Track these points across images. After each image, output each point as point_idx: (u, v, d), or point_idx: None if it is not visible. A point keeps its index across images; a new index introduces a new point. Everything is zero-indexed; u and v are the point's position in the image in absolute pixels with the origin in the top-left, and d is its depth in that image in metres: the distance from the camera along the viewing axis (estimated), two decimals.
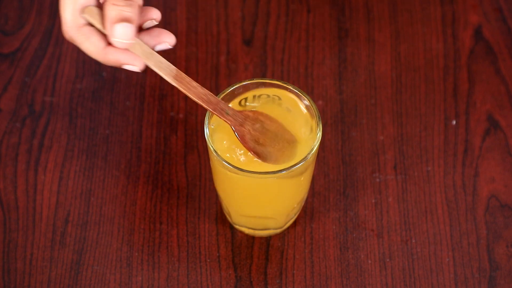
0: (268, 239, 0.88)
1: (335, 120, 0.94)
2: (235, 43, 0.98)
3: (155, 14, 0.74)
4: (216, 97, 0.77)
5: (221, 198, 0.86)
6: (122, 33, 0.71)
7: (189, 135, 0.93)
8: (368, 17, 1.00)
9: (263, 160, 0.78)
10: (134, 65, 0.73)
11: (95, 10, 0.73)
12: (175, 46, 0.89)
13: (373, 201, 0.90)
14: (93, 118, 0.94)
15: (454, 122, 0.94)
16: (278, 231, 0.88)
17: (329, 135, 0.93)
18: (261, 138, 0.80)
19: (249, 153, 0.79)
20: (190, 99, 0.93)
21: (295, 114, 0.82)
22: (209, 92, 0.77)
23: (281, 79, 0.96)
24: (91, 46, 0.73)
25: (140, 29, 0.75)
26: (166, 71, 0.75)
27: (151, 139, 0.93)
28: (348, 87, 0.96)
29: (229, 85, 0.90)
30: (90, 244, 0.87)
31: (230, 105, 0.81)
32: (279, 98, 0.82)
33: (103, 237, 0.88)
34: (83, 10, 0.73)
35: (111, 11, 0.71)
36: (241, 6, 1.01)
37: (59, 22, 0.99)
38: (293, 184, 0.82)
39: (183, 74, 0.76)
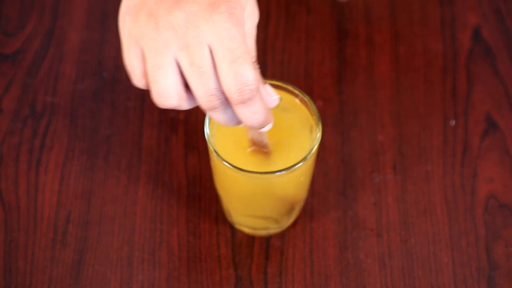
0: (268, 239, 0.88)
1: (334, 121, 0.94)
2: None
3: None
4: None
5: (221, 197, 0.86)
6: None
7: (190, 135, 0.93)
8: (367, 18, 1.00)
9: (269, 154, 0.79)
10: (271, 125, 0.73)
11: None
12: None
13: (373, 201, 0.90)
14: (94, 119, 0.94)
15: (453, 123, 0.94)
16: (278, 230, 0.88)
17: (328, 135, 0.93)
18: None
19: (249, 150, 0.79)
20: None
21: (294, 114, 0.82)
22: None
23: (281, 79, 0.96)
24: (264, 104, 0.70)
25: None
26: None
27: (151, 139, 0.93)
28: (347, 87, 0.96)
29: None
30: (91, 243, 0.87)
31: None
32: (280, 99, 0.82)
33: (104, 236, 0.88)
34: None
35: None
36: None
37: (60, 23, 1.00)
38: (293, 184, 0.82)
39: None
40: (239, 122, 0.71)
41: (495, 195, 0.90)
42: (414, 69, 0.96)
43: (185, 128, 0.94)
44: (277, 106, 0.82)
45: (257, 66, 0.70)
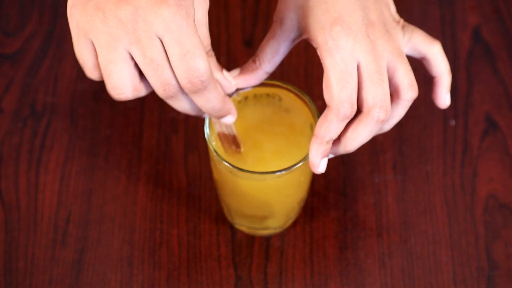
0: (268, 239, 0.88)
1: None
2: (235, 44, 0.99)
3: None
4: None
5: (221, 197, 0.86)
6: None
7: (190, 135, 0.93)
8: None
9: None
10: (233, 116, 0.76)
11: None
12: None
13: (373, 200, 0.90)
14: (94, 119, 0.94)
15: (453, 123, 0.94)
16: (278, 230, 0.88)
17: None
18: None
19: (217, 145, 0.80)
20: None
21: (294, 114, 0.82)
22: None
23: (281, 79, 0.96)
24: (219, 93, 0.72)
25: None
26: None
27: (151, 139, 0.93)
28: None
29: None
30: (91, 243, 0.87)
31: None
32: (280, 99, 0.82)
33: (104, 236, 0.88)
34: None
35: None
36: (241, 7, 1.01)
37: (60, 23, 1.00)
38: (293, 184, 0.82)
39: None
40: (199, 111, 0.73)
41: (495, 195, 0.90)
42: (414, 69, 0.96)
43: (185, 128, 0.94)
44: (277, 106, 0.82)
45: (212, 53, 0.72)
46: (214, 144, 0.80)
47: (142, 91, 0.71)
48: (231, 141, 0.79)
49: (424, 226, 0.88)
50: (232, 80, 0.75)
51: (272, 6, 1.01)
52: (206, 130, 0.79)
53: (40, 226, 0.88)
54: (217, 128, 0.78)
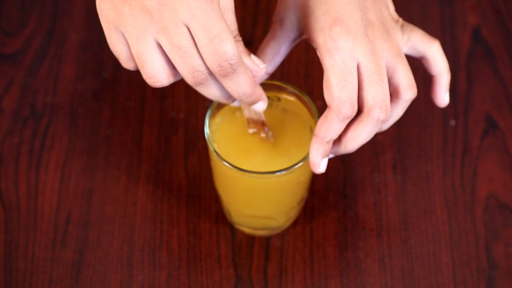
0: (268, 239, 0.88)
1: None
2: None
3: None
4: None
5: (221, 198, 0.86)
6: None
7: (190, 135, 0.93)
8: None
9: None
10: (264, 102, 0.76)
11: None
12: None
13: (373, 201, 0.90)
14: (94, 119, 0.94)
15: (453, 123, 0.94)
16: (278, 230, 0.88)
17: None
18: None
19: (250, 132, 0.80)
20: (191, 100, 0.94)
21: (294, 114, 0.82)
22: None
23: (281, 79, 0.96)
24: (249, 77, 0.72)
25: None
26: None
27: (151, 139, 0.93)
28: None
29: None
30: (91, 243, 0.87)
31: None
32: (278, 99, 0.82)
33: (104, 236, 0.88)
34: None
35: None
36: (241, 7, 1.01)
37: (60, 23, 1.00)
38: (293, 184, 0.82)
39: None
40: (228, 98, 0.73)
41: (495, 195, 0.90)
42: (414, 69, 0.96)
43: (185, 128, 0.94)
44: (277, 106, 0.82)
45: (239, 38, 0.72)
46: (214, 144, 0.80)
47: (177, 77, 0.72)
48: (260, 126, 0.79)
49: (424, 226, 0.88)
50: (260, 63, 0.74)
51: (272, 7, 1.01)
52: (206, 130, 0.79)
53: (40, 226, 0.88)
54: (246, 114, 0.79)
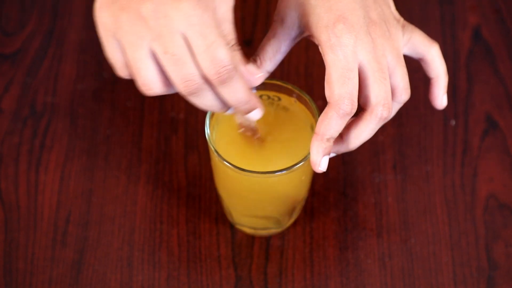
0: (268, 239, 0.88)
1: None
2: None
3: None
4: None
5: (222, 198, 0.86)
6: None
7: (190, 135, 0.93)
8: None
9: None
10: (260, 110, 0.75)
11: None
12: None
13: (373, 200, 0.90)
14: (94, 118, 0.94)
15: (453, 122, 0.94)
16: (278, 230, 0.88)
17: None
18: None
19: (239, 132, 0.80)
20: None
21: (294, 114, 0.82)
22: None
23: (281, 79, 0.96)
24: (245, 84, 0.72)
25: None
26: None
27: (151, 139, 0.93)
28: None
29: None
30: (91, 243, 0.87)
31: None
32: (279, 99, 0.82)
33: (104, 236, 0.88)
34: None
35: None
36: (241, 7, 1.01)
37: (60, 23, 1.00)
38: (293, 184, 0.82)
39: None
40: (222, 107, 0.73)
41: (495, 195, 0.90)
42: (414, 69, 0.96)
43: (185, 128, 0.94)
44: (277, 106, 0.82)
45: (237, 48, 0.72)
46: (215, 144, 0.80)
47: (170, 87, 0.71)
48: (251, 131, 0.79)
49: (424, 226, 0.88)
50: (256, 72, 0.75)
51: (272, 6, 1.01)
52: (207, 130, 0.79)
53: (40, 226, 0.88)
54: (238, 119, 0.78)
